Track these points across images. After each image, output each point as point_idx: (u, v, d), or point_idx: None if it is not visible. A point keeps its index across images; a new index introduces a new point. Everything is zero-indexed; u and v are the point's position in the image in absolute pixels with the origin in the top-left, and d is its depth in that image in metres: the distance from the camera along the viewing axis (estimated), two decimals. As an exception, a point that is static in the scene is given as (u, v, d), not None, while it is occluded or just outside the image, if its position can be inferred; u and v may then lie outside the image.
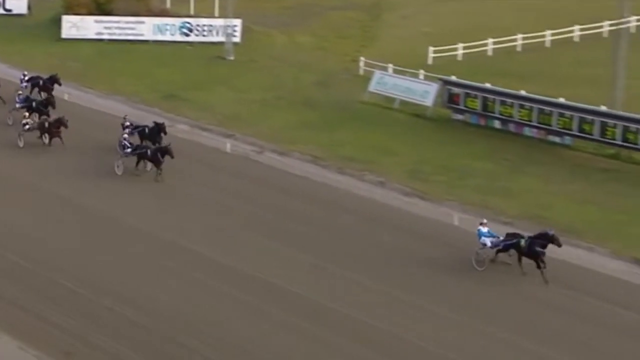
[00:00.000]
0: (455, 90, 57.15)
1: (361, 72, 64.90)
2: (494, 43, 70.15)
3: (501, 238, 40.96)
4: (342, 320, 35.97)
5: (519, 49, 71.60)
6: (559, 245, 39.62)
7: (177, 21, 73.51)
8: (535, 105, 54.11)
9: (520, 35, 71.51)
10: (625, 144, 51.10)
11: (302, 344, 34.81)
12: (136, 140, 52.78)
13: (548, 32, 72.81)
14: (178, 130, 55.29)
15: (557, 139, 53.13)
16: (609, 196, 47.32)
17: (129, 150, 50.97)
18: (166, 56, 69.24)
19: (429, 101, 57.97)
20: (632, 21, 66.54)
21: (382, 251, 41.10)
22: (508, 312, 37.45)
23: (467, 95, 56.48)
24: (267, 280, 38.18)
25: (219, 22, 72.51)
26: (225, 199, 45.78)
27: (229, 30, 70.63)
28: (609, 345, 34.73)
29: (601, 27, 73.37)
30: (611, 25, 69.39)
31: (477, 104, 56.01)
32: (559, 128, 53.07)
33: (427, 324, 36.03)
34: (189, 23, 73.37)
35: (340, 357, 34.37)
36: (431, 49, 67.65)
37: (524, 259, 39.82)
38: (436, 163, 51.01)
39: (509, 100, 55.07)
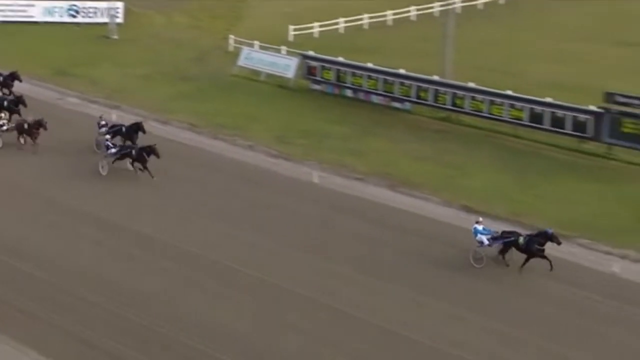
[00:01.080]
0: (313, 63, 58.23)
1: (231, 48, 65.64)
2: (345, 22, 71.78)
3: (495, 234, 38.29)
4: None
5: (365, 27, 73.21)
6: (559, 243, 37.13)
7: (65, 4, 73.18)
8: (380, 76, 55.47)
9: (366, 15, 73.31)
10: (454, 108, 52.77)
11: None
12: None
13: (389, 12, 74.75)
14: (68, 102, 55.74)
15: (398, 105, 54.56)
16: (442, 153, 48.84)
17: (113, 151, 46.71)
18: (56, 36, 68.63)
19: (290, 74, 59.05)
20: (458, 2, 68.76)
21: (247, 205, 41.68)
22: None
23: (323, 67, 57.72)
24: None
25: (103, 4, 72.54)
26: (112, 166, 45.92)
27: (112, 12, 71.25)
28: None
29: (432, 7, 75.19)
30: (441, 5, 71.47)
31: (332, 76, 57.15)
32: (400, 95, 54.51)
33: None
34: (75, 5, 73.19)
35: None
36: (291, 27, 68.82)
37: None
38: (298, 128, 51.97)
39: (359, 72, 56.44)
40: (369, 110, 54.78)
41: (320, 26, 70.11)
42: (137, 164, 45.83)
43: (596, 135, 48.44)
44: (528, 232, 37.99)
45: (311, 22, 70.04)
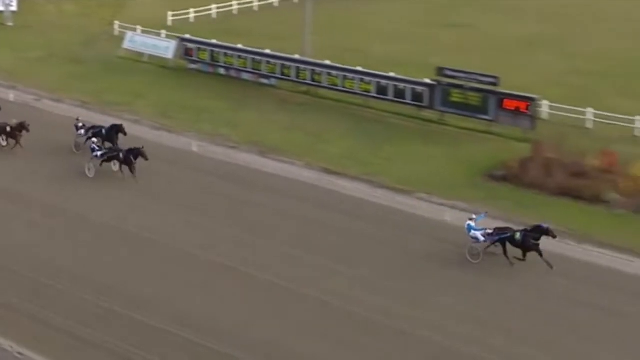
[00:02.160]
0: (190, 45, 59.06)
1: (116, 33, 65.99)
2: (217, 8, 72.51)
3: (489, 230, 36.14)
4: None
5: (235, 12, 73.96)
6: (554, 237, 35.36)
7: (-40, -6, 72.21)
8: (249, 56, 56.60)
9: (235, 2, 74.16)
10: (313, 83, 54.02)
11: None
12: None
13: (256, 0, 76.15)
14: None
15: (265, 81, 55.67)
16: (304, 123, 50.07)
17: (99, 153, 43.28)
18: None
19: (170, 55, 59.92)
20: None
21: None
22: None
23: (199, 49, 58.60)
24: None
25: (-2, -6, 72.01)
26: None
27: (7, 1, 70.43)
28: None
29: (292, -5, 77.23)
30: (300, -7, 73.52)
31: (207, 56, 58.09)
32: (267, 72, 55.66)
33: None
34: (-30, -4, 72.39)
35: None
36: (170, 13, 69.46)
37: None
38: (178, 104, 52.95)
39: (230, 52, 57.55)
40: (240, 86, 55.70)
41: (195, 12, 70.80)
42: (124, 167, 42.86)
43: (430, 104, 50.01)
44: (522, 228, 35.96)
45: (187, 9, 70.51)
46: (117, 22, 67.35)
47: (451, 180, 43.28)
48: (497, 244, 35.90)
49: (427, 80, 50.24)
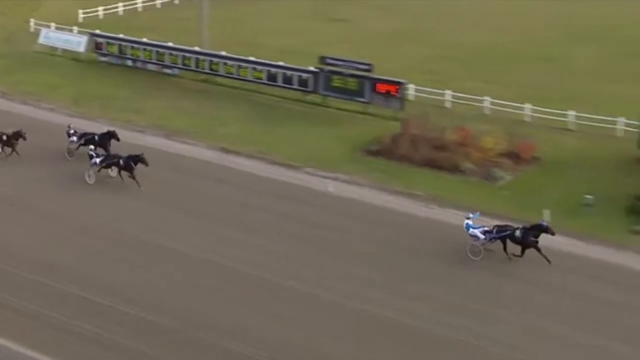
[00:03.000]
0: (100, 40, 59.31)
1: (32, 30, 65.50)
2: (124, 6, 72.24)
3: (486, 228, 34.71)
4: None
5: (140, 9, 73.77)
6: (552, 234, 34.05)
7: None
8: (153, 48, 57.18)
9: (140, 0, 73.83)
10: (212, 72, 54.72)
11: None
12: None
13: (159, -3, 76.40)
14: None
15: (169, 71, 56.17)
16: (204, 108, 50.81)
17: (97, 160, 40.79)
18: None
19: (81, 49, 60.03)
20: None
21: (52, 154, 42.76)
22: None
23: (108, 43, 58.83)
24: None
25: None
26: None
27: None
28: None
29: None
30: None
31: (115, 49, 58.38)
32: (170, 63, 56.16)
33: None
34: None
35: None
36: (80, 11, 69.20)
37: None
38: (90, 93, 53.29)
39: (136, 46, 58.09)
40: (146, 76, 56.16)
41: (104, 10, 70.52)
42: (124, 173, 40.50)
43: (315, 89, 51.15)
44: (522, 225, 34.55)
45: (96, 7, 70.18)
46: (32, 20, 66.73)
47: (333, 156, 44.28)
48: (497, 241, 34.46)
49: (312, 68, 51.06)
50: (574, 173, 41.78)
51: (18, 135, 43.20)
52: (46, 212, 37.82)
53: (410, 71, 53.17)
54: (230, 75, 54.07)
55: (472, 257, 34.56)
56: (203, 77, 55.23)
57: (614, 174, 41.29)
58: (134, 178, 40.17)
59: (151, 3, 75.16)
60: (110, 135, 43.07)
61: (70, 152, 43.57)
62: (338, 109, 49.99)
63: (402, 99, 48.36)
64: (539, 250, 33.88)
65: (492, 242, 34.61)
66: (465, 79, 53.71)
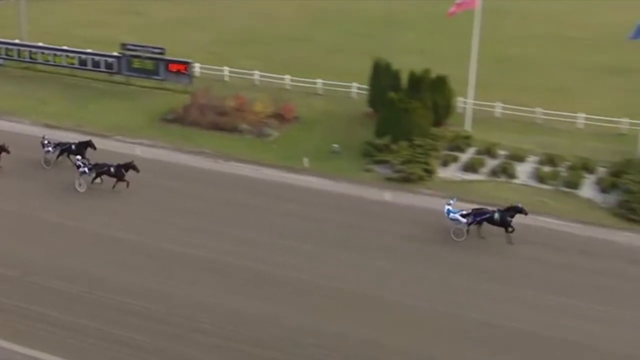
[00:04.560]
0: None
1: None
2: None
3: (464, 212, 32.78)
4: None
5: None
6: (526, 214, 32.46)
7: None
8: None
9: None
10: (32, 60, 53.27)
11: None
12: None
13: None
14: None
15: None
16: (28, 91, 49.75)
17: (85, 169, 36.51)
18: None
19: None
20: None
21: None
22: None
23: None
24: None
25: None
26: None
27: None
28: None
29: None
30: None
31: None
32: None
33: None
34: None
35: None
36: None
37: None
38: None
39: None
40: None
41: None
42: (109, 179, 36.65)
43: (119, 71, 50.77)
44: (499, 208, 33.05)
45: None
46: None
47: (137, 125, 44.68)
48: (478, 223, 32.81)
49: (115, 53, 50.71)
50: (323, 127, 43.98)
51: (1, 149, 38.21)
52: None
53: (195, 53, 53.63)
54: (48, 63, 52.96)
55: (455, 238, 32.76)
56: (25, 65, 53.57)
57: (352, 126, 43.74)
58: (125, 182, 36.39)
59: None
60: (87, 144, 38.93)
61: (47, 162, 39.25)
62: (139, 86, 49.83)
63: (190, 76, 48.91)
64: (511, 229, 32.54)
65: (477, 225, 32.81)
66: (239, 58, 54.40)
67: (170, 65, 49.27)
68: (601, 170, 38.37)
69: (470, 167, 39.17)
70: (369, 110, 44.79)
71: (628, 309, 28.16)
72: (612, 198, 36.38)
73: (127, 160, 36.86)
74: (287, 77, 49.94)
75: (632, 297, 28.97)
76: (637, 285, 29.89)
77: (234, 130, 43.64)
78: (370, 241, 32.65)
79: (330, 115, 45.48)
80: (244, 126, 43.71)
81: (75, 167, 37.12)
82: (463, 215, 32.81)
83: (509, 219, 32.55)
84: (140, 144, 42.24)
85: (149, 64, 49.84)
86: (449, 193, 36.47)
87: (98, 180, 36.95)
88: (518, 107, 44.87)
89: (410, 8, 62.44)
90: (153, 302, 27.95)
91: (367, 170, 39.34)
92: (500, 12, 59.10)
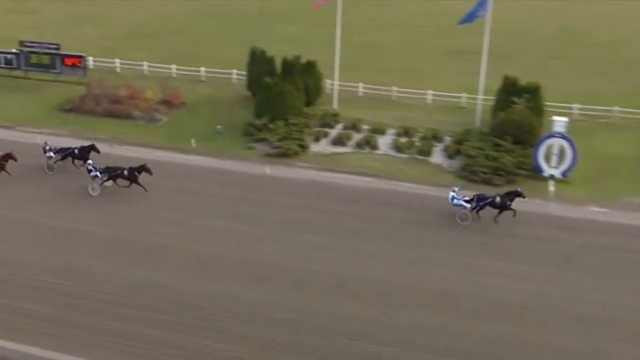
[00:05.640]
0: None
1: None
2: None
3: (467, 197, 31.63)
4: None
5: None
6: (523, 197, 31.47)
7: None
8: None
9: None
10: None
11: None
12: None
13: None
14: None
15: None
16: None
17: (97, 173, 33.23)
18: None
19: None
20: None
21: None
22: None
23: None
24: None
25: None
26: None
27: None
28: None
29: None
30: None
31: None
32: None
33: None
34: None
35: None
36: None
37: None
38: None
39: None
40: None
41: None
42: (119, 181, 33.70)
43: (18, 66, 48.65)
44: (499, 192, 32.14)
45: None
46: None
47: (37, 115, 43.06)
48: (480, 207, 31.54)
49: (14, 50, 48.54)
50: (208, 111, 43.31)
51: (9, 156, 34.79)
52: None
53: (88, 47, 51.77)
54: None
55: (460, 222, 31.54)
56: None
57: (233, 109, 43.24)
58: (139, 184, 33.49)
59: None
60: (90, 148, 35.83)
61: (50, 167, 35.92)
62: (37, 79, 47.77)
63: (85, 68, 47.46)
64: (508, 210, 31.68)
65: (480, 209, 31.61)
66: (129, 50, 53.05)
67: (65, 59, 47.58)
68: (447, 139, 39.46)
69: (339, 141, 39.48)
70: (248, 94, 44.37)
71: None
72: (457, 163, 37.45)
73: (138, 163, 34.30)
74: (174, 66, 48.96)
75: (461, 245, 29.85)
76: (471, 236, 30.91)
77: (127, 117, 42.54)
78: (254, 212, 32.53)
79: (213, 100, 44.84)
80: (136, 113, 42.68)
81: (86, 172, 33.75)
82: (467, 201, 31.77)
83: (508, 202, 31.70)
84: (41, 132, 40.48)
85: (45, 59, 47.90)
86: (321, 165, 36.88)
87: (108, 183, 33.78)
88: (377, 87, 45.42)
89: (281, 3, 62.13)
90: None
91: (249, 148, 39.10)
92: (359, 3, 59.40)
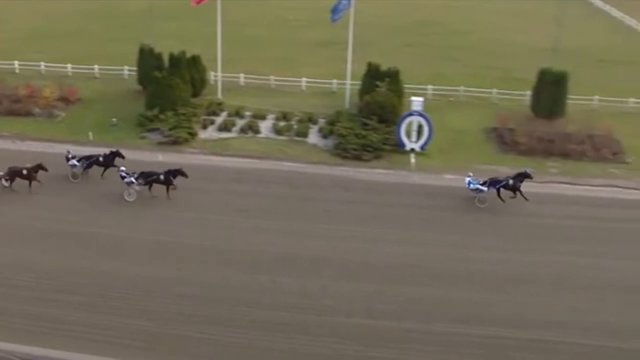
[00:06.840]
0: None
1: None
2: None
3: (481, 181, 30.43)
4: None
5: None
6: (531, 178, 30.70)
7: None
8: None
9: None
10: None
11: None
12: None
13: None
14: None
15: None
16: None
17: (131, 178, 29.93)
18: None
19: None
20: None
21: None
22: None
23: None
24: None
25: None
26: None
27: None
28: None
29: None
30: None
31: None
32: None
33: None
34: None
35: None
36: None
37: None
38: None
39: None
40: None
41: None
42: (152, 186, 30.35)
43: None
44: (508, 176, 30.98)
45: None
46: None
47: None
48: (494, 189, 30.40)
49: None
50: (102, 105, 41.16)
51: (39, 167, 31.13)
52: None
53: None
54: None
55: (479, 205, 30.34)
56: None
57: (127, 102, 41.24)
58: (174, 189, 30.51)
59: None
60: (115, 154, 32.38)
61: (74, 176, 32.21)
62: None
63: None
64: (521, 192, 30.81)
65: (499, 191, 30.51)
66: (27, 51, 48.92)
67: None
68: (321, 121, 38.88)
69: (224, 127, 38.16)
70: (139, 87, 42.22)
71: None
72: (331, 142, 36.95)
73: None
74: (69, 65, 45.91)
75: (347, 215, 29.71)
76: (346, 206, 30.67)
77: (27, 114, 39.84)
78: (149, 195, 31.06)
79: (107, 95, 42.54)
80: (36, 110, 40.05)
81: (120, 178, 30.47)
82: (483, 185, 30.65)
83: (518, 184, 30.77)
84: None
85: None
86: (209, 150, 35.64)
87: (139, 187, 30.44)
88: (257, 77, 44.26)
89: (167, 2, 59.26)
90: None
91: (142, 138, 37.33)
92: (237, 3, 56.87)
